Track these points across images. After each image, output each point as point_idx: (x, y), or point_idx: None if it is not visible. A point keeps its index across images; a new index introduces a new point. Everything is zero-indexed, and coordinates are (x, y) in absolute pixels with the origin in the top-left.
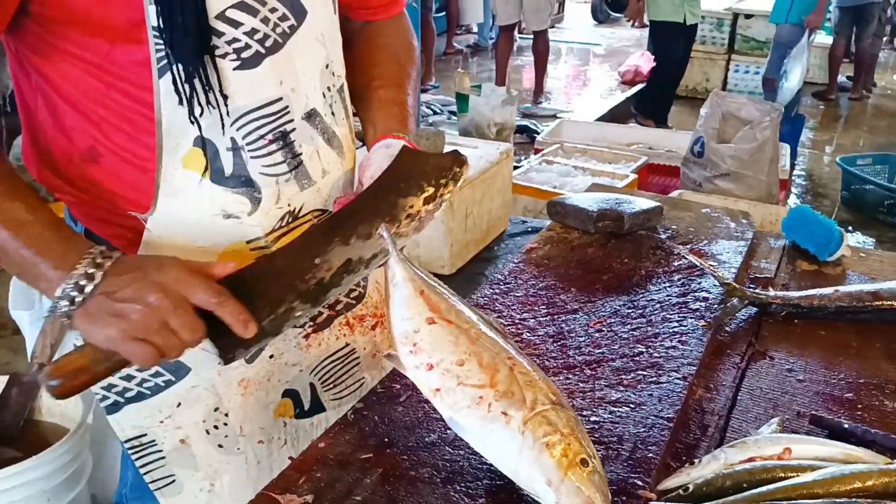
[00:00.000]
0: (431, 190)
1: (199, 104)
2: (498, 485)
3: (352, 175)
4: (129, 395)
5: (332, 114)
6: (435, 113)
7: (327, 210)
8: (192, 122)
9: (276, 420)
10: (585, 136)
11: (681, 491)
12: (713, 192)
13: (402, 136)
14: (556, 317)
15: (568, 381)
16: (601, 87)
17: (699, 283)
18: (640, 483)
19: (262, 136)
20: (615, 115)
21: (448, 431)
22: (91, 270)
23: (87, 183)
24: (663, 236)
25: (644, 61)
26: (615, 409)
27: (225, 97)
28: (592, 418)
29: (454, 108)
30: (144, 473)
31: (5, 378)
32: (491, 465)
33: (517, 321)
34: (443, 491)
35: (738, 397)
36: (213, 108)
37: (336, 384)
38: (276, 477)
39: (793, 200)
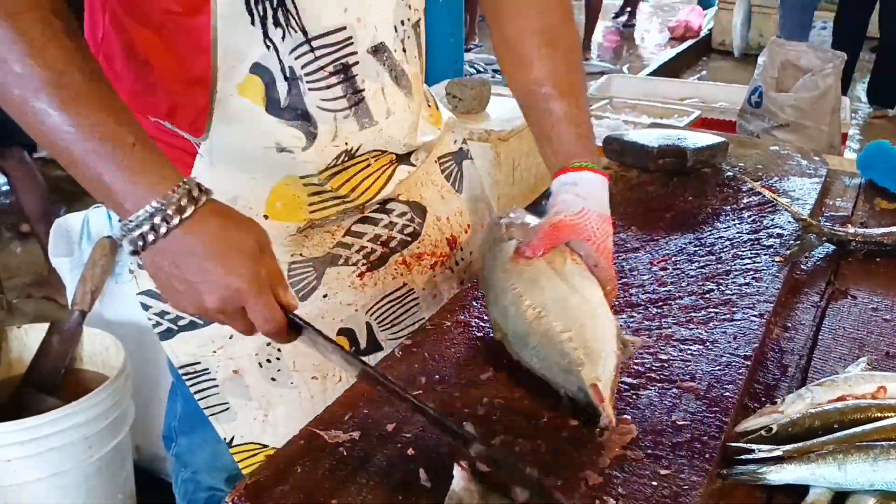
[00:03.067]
0: None
1: (273, 23)
2: (554, 422)
3: (417, 119)
4: (181, 322)
5: (404, 50)
6: (479, 72)
7: (387, 151)
8: (268, 46)
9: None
10: (635, 91)
11: (763, 432)
12: (772, 144)
13: (589, 166)
14: (616, 255)
15: (631, 319)
16: (650, 43)
17: (772, 220)
18: (717, 423)
19: (321, 68)
20: (665, 71)
21: (501, 369)
22: (171, 211)
23: (141, 92)
24: (730, 174)
25: (695, 16)
26: (685, 347)
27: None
28: (660, 356)
29: (498, 66)
30: (199, 399)
31: (46, 326)
32: (548, 400)
33: None
34: (495, 429)
35: (819, 337)
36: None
37: (393, 324)
38: (319, 413)
39: (848, 155)
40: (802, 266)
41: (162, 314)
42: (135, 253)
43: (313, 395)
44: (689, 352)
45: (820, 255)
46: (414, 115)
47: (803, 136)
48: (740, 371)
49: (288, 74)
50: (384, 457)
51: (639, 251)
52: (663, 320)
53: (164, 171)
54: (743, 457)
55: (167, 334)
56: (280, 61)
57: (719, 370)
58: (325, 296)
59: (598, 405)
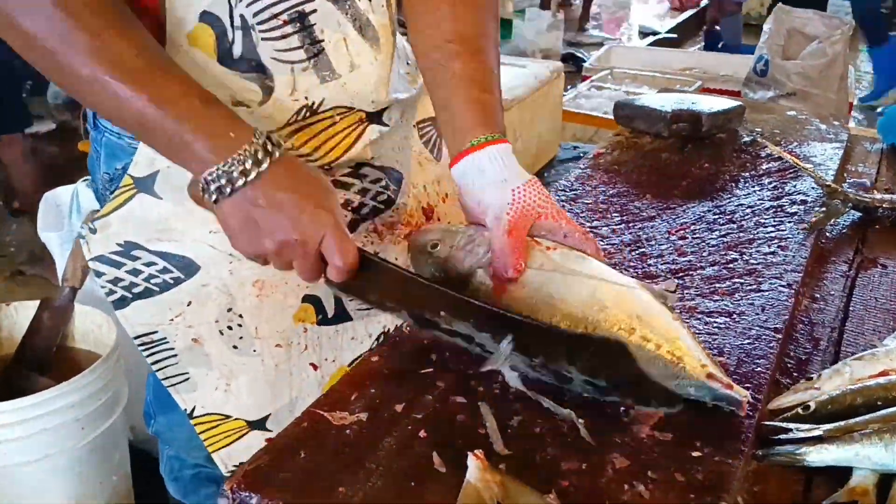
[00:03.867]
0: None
1: None
2: (576, 400)
3: (387, 74)
4: (136, 290)
5: None
6: None
7: (355, 108)
8: None
9: (295, 324)
10: (636, 61)
11: (800, 410)
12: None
13: (487, 139)
14: (631, 224)
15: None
16: (650, 14)
17: (794, 186)
18: (751, 401)
19: (274, 16)
20: (666, 42)
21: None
22: (249, 165)
23: None
24: (747, 139)
25: None
26: (711, 320)
27: None
28: None
29: None
30: (157, 370)
31: (36, 303)
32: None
33: (588, 229)
34: (514, 408)
35: (851, 308)
36: None
37: None
38: (323, 394)
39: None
40: (828, 234)
41: (115, 281)
42: (216, 201)
43: (277, 364)
44: (715, 325)
45: (846, 223)
46: (382, 69)
47: (810, 104)
48: (771, 345)
49: (238, 23)
50: (394, 440)
51: (655, 220)
52: (686, 291)
53: (239, 126)
54: (780, 437)
55: (121, 303)
56: (230, 8)
57: (749, 344)
58: None
59: (727, 392)
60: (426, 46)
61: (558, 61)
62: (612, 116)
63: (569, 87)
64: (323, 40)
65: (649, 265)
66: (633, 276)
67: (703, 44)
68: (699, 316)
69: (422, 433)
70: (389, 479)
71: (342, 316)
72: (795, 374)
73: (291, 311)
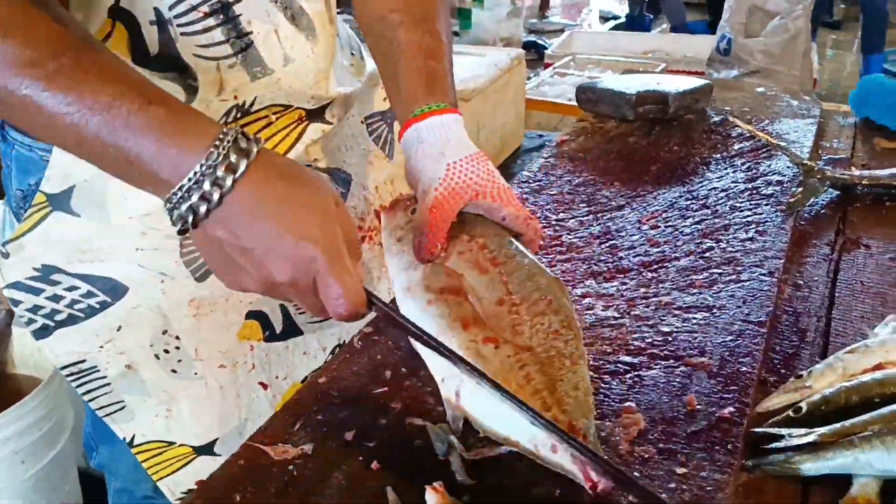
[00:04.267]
0: None
1: None
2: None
3: (327, 66)
4: (58, 317)
5: None
6: None
7: (292, 106)
8: None
9: (239, 342)
10: (597, 46)
11: (790, 412)
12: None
13: (431, 108)
14: (600, 215)
15: (624, 288)
16: None
17: (768, 166)
18: (737, 405)
19: (193, 8)
20: (627, 26)
21: None
22: (221, 172)
23: None
24: (716, 119)
25: None
26: (689, 316)
27: None
28: (661, 328)
29: (456, 26)
30: (89, 401)
31: None
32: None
33: (553, 222)
34: (476, 430)
35: (836, 294)
36: None
37: None
38: (264, 424)
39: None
40: (806, 215)
41: (35, 309)
42: (183, 232)
43: (222, 386)
44: (694, 321)
45: (824, 202)
46: (322, 62)
47: (774, 81)
48: (756, 340)
49: (153, 18)
50: (343, 475)
51: (624, 209)
52: (661, 286)
53: (198, 126)
54: (772, 445)
55: (42, 332)
56: (141, 2)
57: (731, 341)
58: None
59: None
60: (370, 17)
61: (518, 48)
62: (576, 103)
63: (531, 74)
64: (251, 32)
65: (620, 259)
66: (604, 270)
67: (668, 26)
68: (676, 312)
69: (374, 465)
70: None
71: (291, 331)
72: (783, 370)
73: (234, 328)
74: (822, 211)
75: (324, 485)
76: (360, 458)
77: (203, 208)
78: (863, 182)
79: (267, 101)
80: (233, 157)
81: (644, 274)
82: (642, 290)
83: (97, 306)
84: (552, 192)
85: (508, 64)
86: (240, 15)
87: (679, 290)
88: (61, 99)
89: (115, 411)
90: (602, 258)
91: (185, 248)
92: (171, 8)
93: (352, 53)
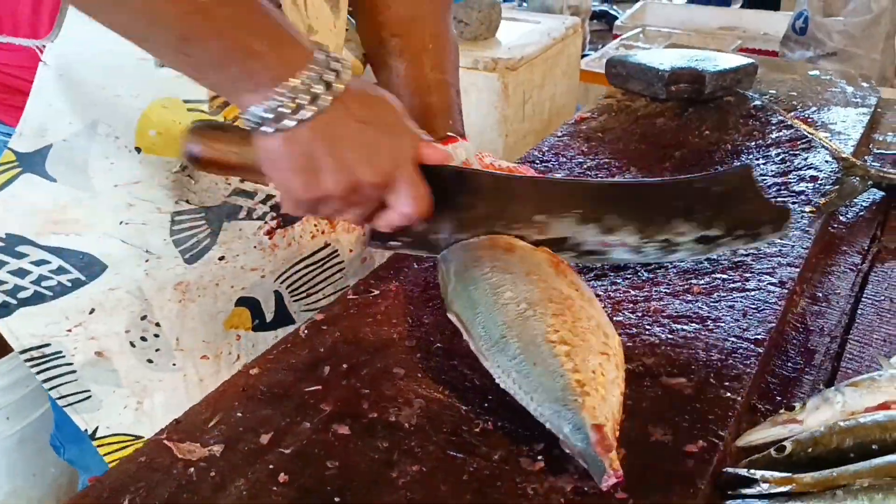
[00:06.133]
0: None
1: None
2: (489, 442)
3: (342, 43)
4: (22, 294)
5: None
6: None
7: None
8: None
9: (226, 331)
10: (671, 19)
11: (773, 451)
12: None
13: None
14: None
15: (614, 288)
16: None
17: (804, 160)
18: (711, 439)
19: None
20: None
21: (431, 359)
22: (319, 90)
23: None
24: (758, 102)
25: None
26: (679, 328)
27: None
28: (643, 338)
29: None
30: (50, 389)
31: None
32: (481, 412)
33: None
34: (411, 444)
35: (859, 311)
36: None
37: (310, 293)
38: (178, 417)
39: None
40: (842, 217)
41: None
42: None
43: (202, 378)
44: (682, 334)
45: (864, 204)
46: (340, 37)
47: (852, 65)
48: (748, 362)
49: None
50: (246, 485)
51: None
52: (654, 289)
53: (291, 40)
54: (745, 491)
55: (3, 310)
56: None
57: (720, 360)
58: (221, 258)
59: (601, 457)
60: (372, 40)
61: (575, 17)
62: None
63: (600, 45)
64: None
65: None
66: (596, 266)
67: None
68: (664, 321)
69: (282, 477)
70: None
71: (283, 319)
72: (779, 397)
73: (222, 316)
74: (862, 213)
75: (220, 494)
76: (270, 467)
77: (309, 112)
78: None
79: None
80: (338, 66)
81: (640, 273)
82: (633, 292)
83: (68, 284)
84: (559, 176)
85: (563, 33)
86: None
87: (673, 295)
88: None
89: (79, 401)
90: None
91: (176, 225)
92: None
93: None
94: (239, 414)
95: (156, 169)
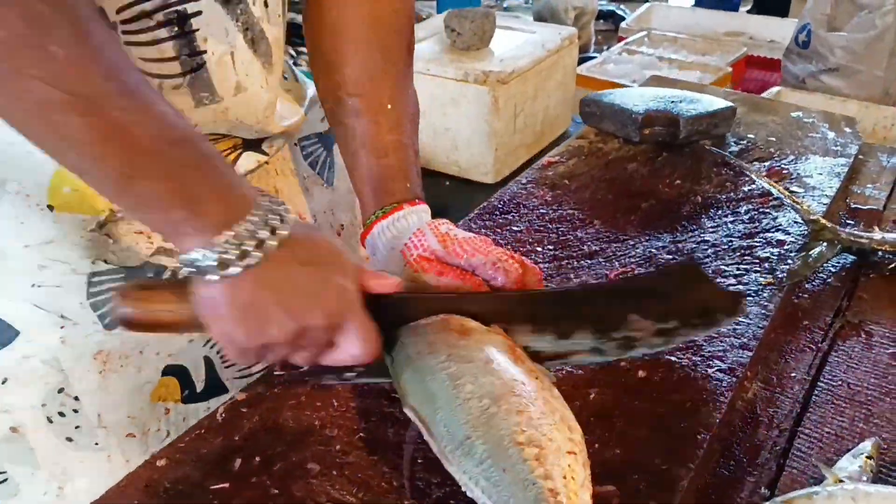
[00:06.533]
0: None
1: None
2: None
3: (276, 98)
4: None
5: (265, 4)
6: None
7: (230, 135)
8: None
9: (153, 405)
10: (678, 23)
11: None
12: (818, 89)
13: (381, 213)
14: (564, 262)
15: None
16: None
17: (773, 219)
18: None
19: (146, 14)
20: (714, 2)
21: (350, 453)
22: (262, 234)
23: None
24: (735, 148)
25: None
26: (619, 424)
27: None
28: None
29: None
30: None
31: None
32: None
33: None
34: None
35: (814, 397)
36: None
37: None
38: None
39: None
40: (808, 285)
41: None
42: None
43: (129, 459)
44: (618, 431)
45: (833, 270)
46: (272, 94)
47: (854, 82)
48: (685, 467)
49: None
50: None
51: (595, 257)
52: (595, 378)
53: (242, 181)
54: None
55: None
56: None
57: (655, 463)
58: None
59: None
60: (327, 95)
61: (572, 28)
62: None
63: (605, 47)
64: (205, 51)
65: None
66: None
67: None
68: (592, 420)
69: None
70: None
71: (214, 388)
72: (716, 503)
73: (148, 388)
74: (829, 280)
75: None
76: None
77: (250, 260)
78: (883, 247)
79: (207, 129)
80: (280, 209)
81: None
82: (577, 373)
83: None
84: (516, 229)
85: (558, 45)
86: (196, 30)
87: (618, 383)
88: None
89: None
90: None
91: (93, 287)
92: (118, 11)
93: (285, 77)
94: None
95: (70, 227)
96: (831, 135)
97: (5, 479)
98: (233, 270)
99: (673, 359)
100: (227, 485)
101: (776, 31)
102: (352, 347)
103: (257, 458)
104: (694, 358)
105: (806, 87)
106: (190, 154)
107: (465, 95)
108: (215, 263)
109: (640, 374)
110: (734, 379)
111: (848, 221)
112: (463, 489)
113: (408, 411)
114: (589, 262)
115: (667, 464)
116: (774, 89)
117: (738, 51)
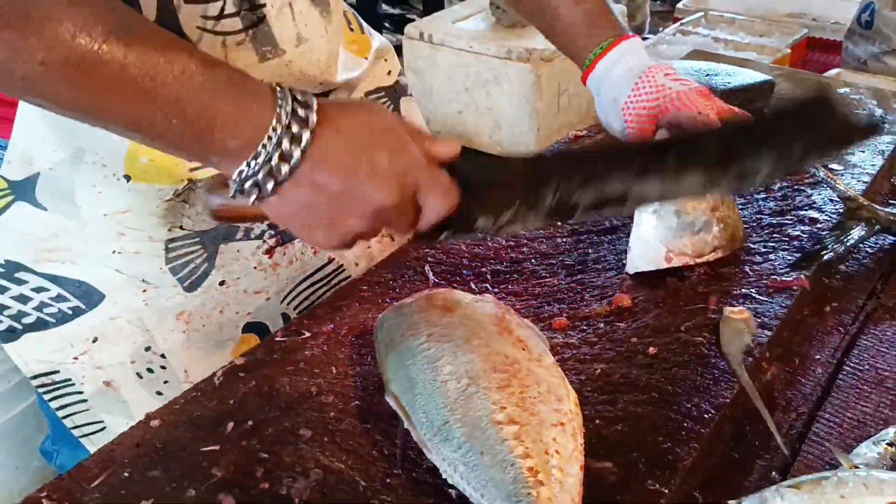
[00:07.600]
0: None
1: None
2: None
3: (337, 48)
4: (26, 320)
5: None
6: None
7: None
8: None
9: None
10: (738, 4)
11: None
12: (881, 72)
13: (599, 51)
14: (583, 237)
15: (566, 340)
16: None
17: (808, 196)
18: None
19: None
20: None
21: (343, 420)
22: (287, 145)
23: None
24: None
25: None
26: (621, 396)
27: None
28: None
29: None
30: (63, 417)
31: None
32: (380, 488)
33: (524, 242)
34: None
35: (838, 380)
36: None
37: None
38: (72, 467)
39: None
40: (843, 267)
41: (0, 308)
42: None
43: None
44: (621, 405)
45: (870, 250)
46: (333, 44)
47: None
48: (690, 447)
49: None
50: None
51: (617, 232)
52: (606, 347)
53: (257, 84)
54: None
55: (10, 335)
56: None
57: (656, 442)
58: (221, 283)
59: None
60: None
61: (621, 5)
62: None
63: (660, 29)
64: (264, 5)
65: (582, 301)
66: (555, 313)
67: None
68: (607, 390)
69: None
70: None
71: None
72: (723, 486)
73: (231, 344)
74: (865, 261)
75: None
76: None
77: (285, 168)
78: None
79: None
80: (300, 111)
81: (597, 326)
82: (584, 349)
83: (69, 312)
84: None
85: None
86: None
87: (626, 358)
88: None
89: (94, 432)
90: (560, 297)
91: (171, 252)
92: None
93: (350, 28)
94: (126, 473)
95: (146, 198)
96: (879, 111)
97: (103, 428)
98: (283, 170)
99: (687, 337)
100: (216, 447)
101: (840, 13)
102: (434, 205)
103: (250, 422)
104: (710, 336)
105: (867, 69)
106: (189, 84)
107: (507, 74)
108: (261, 178)
109: (651, 350)
110: (750, 359)
111: (891, 202)
112: (444, 477)
113: (389, 400)
114: (609, 236)
115: (670, 442)
116: (833, 71)
117: (797, 32)
